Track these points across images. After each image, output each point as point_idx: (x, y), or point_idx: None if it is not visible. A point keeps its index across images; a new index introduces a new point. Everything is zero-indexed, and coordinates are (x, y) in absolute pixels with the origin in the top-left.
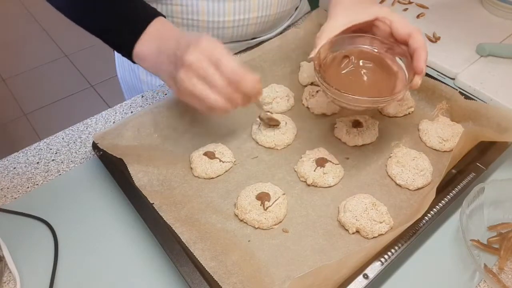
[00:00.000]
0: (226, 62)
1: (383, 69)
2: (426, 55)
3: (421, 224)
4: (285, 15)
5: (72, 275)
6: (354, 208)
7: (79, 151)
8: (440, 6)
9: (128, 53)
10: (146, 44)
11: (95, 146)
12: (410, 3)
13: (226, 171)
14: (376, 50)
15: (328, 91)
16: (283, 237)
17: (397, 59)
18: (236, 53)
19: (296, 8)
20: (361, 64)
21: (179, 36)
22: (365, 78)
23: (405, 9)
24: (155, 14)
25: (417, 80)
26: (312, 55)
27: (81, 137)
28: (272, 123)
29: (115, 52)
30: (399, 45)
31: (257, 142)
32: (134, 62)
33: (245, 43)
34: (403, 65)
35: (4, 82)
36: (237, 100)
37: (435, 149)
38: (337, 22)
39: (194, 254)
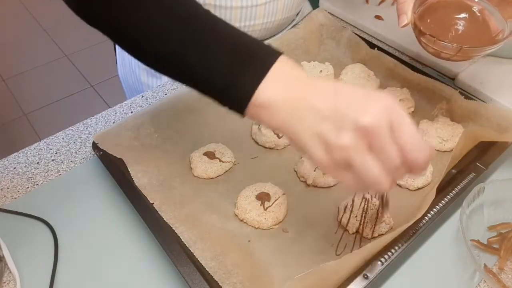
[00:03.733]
0: (407, 129)
1: (469, 10)
2: None
3: (421, 224)
4: (288, 21)
5: (72, 275)
6: (354, 208)
7: (79, 151)
8: None
9: (242, 100)
10: (273, 89)
11: (95, 146)
12: None
13: (226, 171)
14: None
15: (446, 47)
16: (283, 237)
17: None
18: None
19: (298, 14)
20: (448, 12)
21: (334, 87)
22: (460, 26)
23: None
24: (274, 49)
25: None
26: (406, 21)
27: (81, 137)
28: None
29: (116, 50)
30: None
31: (257, 142)
32: (243, 116)
33: None
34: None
35: (4, 82)
36: (401, 173)
37: (435, 149)
38: None
39: (194, 254)
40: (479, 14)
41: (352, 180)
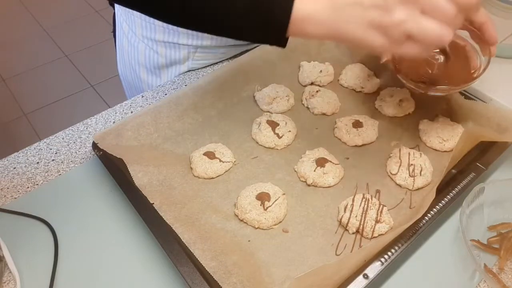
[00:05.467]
0: None
1: (452, 47)
2: (493, 24)
3: (421, 224)
4: None
5: (72, 275)
6: (354, 208)
7: (79, 151)
8: None
9: (281, 22)
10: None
11: (95, 146)
12: None
13: (226, 171)
14: None
15: (419, 88)
16: (283, 237)
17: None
18: (236, 56)
19: None
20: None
21: None
22: (440, 60)
23: None
24: None
25: (494, 50)
26: (385, 58)
27: (81, 137)
28: None
29: (117, 48)
30: None
31: (257, 142)
32: (283, 42)
33: (245, 46)
34: (465, 37)
35: (4, 82)
36: (459, 20)
37: (435, 149)
38: None
39: (194, 254)
40: (461, 50)
41: (416, 47)
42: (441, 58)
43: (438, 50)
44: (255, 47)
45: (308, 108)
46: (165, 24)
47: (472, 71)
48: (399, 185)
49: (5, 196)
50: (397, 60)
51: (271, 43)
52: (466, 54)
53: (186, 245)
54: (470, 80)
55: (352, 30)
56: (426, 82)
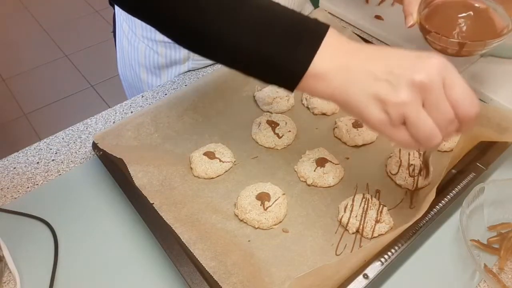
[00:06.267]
0: (459, 86)
1: (474, 9)
2: None
3: (421, 224)
4: None
5: (72, 275)
6: (354, 208)
7: (79, 151)
8: None
9: (296, 74)
10: (326, 59)
11: (95, 146)
12: None
13: (226, 171)
14: None
15: (451, 43)
16: (283, 237)
17: None
18: None
19: None
20: (453, 12)
21: (385, 52)
22: (465, 24)
23: None
24: (322, 22)
25: None
26: (412, 21)
27: (81, 137)
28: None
29: (117, 48)
30: None
31: (257, 142)
32: (293, 87)
33: None
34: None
35: (4, 82)
36: (452, 128)
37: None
38: None
39: (194, 254)
40: (483, 13)
41: (406, 136)
42: (467, 22)
43: (462, 14)
44: None
45: (308, 108)
46: None
47: (499, 31)
48: (399, 185)
49: (5, 196)
50: (425, 21)
51: (279, 86)
52: (489, 15)
53: (186, 245)
54: (499, 36)
55: (357, 96)
56: (460, 39)
